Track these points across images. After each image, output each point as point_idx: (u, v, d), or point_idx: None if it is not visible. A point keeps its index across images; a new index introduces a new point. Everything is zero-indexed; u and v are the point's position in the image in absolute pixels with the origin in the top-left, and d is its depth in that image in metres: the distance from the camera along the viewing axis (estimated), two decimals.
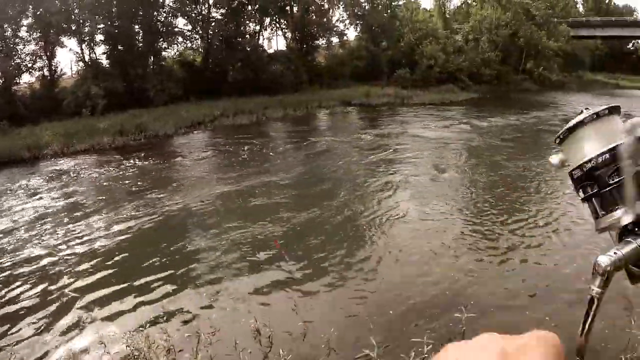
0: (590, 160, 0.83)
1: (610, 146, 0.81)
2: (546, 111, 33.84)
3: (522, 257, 9.81)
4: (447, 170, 17.55)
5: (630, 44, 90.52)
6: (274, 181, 17.14)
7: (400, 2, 54.81)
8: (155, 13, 42.74)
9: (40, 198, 18.07)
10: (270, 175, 18.01)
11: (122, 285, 9.73)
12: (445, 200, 13.97)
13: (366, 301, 8.38)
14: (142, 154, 24.20)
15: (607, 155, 0.80)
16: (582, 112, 0.89)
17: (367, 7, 51.86)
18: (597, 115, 0.83)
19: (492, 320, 7.30)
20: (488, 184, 15.75)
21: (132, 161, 22.76)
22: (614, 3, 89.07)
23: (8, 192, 19.54)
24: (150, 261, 10.76)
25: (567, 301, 7.77)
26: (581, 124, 0.85)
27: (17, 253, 12.45)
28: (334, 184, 16.37)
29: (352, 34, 54.74)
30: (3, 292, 10.14)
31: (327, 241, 11.11)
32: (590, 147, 0.84)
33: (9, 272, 11.27)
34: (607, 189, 0.82)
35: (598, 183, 0.82)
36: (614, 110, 0.87)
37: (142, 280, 9.84)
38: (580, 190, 0.87)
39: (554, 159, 0.94)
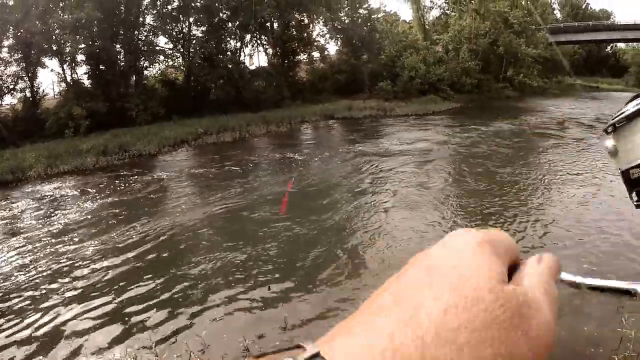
0: None
1: None
2: (529, 116, 34.48)
3: None
4: (435, 180, 17.78)
5: (609, 47, 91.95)
6: (260, 198, 17.28)
7: (380, 15, 55.30)
8: (136, 32, 42.81)
9: (24, 221, 18.12)
10: (256, 193, 18.14)
11: (106, 309, 9.79)
12: (437, 210, 14.20)
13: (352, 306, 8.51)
14: (127, 174, 24.27)
15: None
16: (637, 96, 0.76)
17: (346, 21, 52.30)
18: None
19: None
20: (478, 192, 15.99)
21: (116, 181, 22.81)
22: (591, 8, 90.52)
23: None
24: (137, 283, 10.79)
25: None
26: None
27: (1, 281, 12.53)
28: (322, 199, 16.52)
29: (332, 48, 55.24)
30: None
31: (316, 258, 11.25)
32: None
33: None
34: None
35: None
36: None
37: (129, 303, 9.89)
38: (636, 194, 0.75)
39: (609, 142, 0.80)
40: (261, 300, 9.43)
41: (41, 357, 8.63)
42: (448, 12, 63.37)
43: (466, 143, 25.17)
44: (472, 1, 54.04)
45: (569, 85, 65.75)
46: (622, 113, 0.70)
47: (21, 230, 16.82)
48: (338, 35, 52.23)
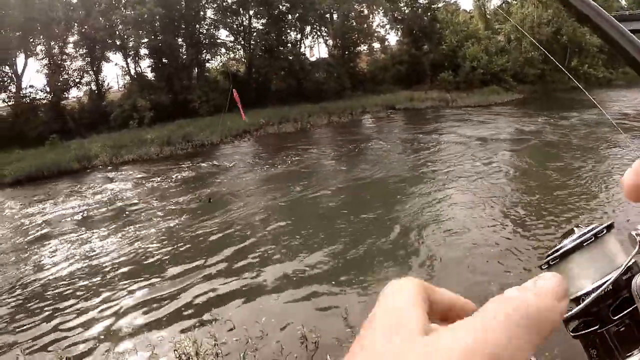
0: (588, 293, 0.66)
1: (613, 275, 0.65)
2: (595, 110, 32.53)
3: None
4: (503, 178, 16.81)
5: None
6: (323, 190, 16.81)
7: (440, 5, 54.11)
8: (197, 26, 43.17)
9: (89, 206, 18.28)
10: (319, 184, 17.71)
11: (168, 291, 9.64)
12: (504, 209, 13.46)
13: None
14: (189, 164, 24.28)
15: (611, 286, 0.64)
16: (572, 231, 0.72)
17: (406, 11, 51.39)
18: (595, 237, 0.67)
19: None
20: (543, 187, 15.11)
21: (180, 171, 22.83)
22: None
23: (60, 201, 19.84)
24: (198, 269, 10.70)
25: None
26: (576, 248, 0.68)
27: (64, 258, 12.55)
28: (385, 193, 15.94)
29: (393, 38, 54.34)
30: (53, 290, 10.20)
31: (378, 250, 10.75)
32: (587, 276, 0.67)
33: (55, 272, 11.38)
34: (610, 326, 0.65)
35: (600, 320, 0.65)
36: (610, 228, 0.70)
37: (190, 287, 9.78)
38: (572, 325, 0.68)
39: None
40: (323, 291, 9.06)
41: (99, 324, 8.52)
42: (510, 0, 61.64)
43: (537, 136, 23.92)
44: None
45: (636, 76, 62.84)
46: (557, 250, 0.70)
47: (89, 217, 16.92)
48: (398, 26, 51.43)
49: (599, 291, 0.63)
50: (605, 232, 0.68)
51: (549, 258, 0.70)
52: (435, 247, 10.28)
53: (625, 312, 0.63)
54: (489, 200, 13.41)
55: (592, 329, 0.65)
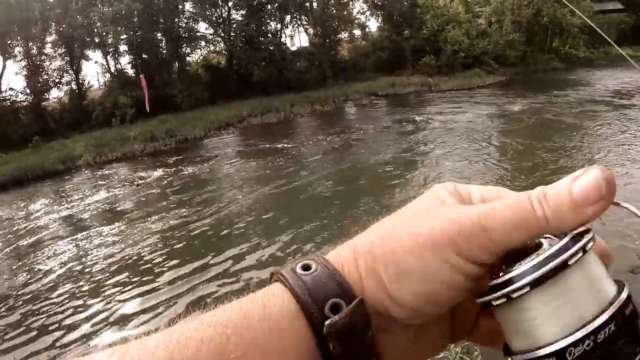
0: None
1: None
2: (577, 90, 32.54)
3: None
4: (491, 159, 16.88)
5: None
6: (311, 179, 16.86)
7: None
8: (176, 20, 42.84)
9: (76, 207, 18.25)
10: (307, 173, 17.77)
11: (161, 291, 9.81)
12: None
13: None
14: (174, 159, 24.30)
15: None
16: (540, 244, 0.51)
17: None
18: (565, 264, 0.48)
19: None
20: (528, 168, 15.20)
21: (164, 167, 22.82)
22: None
23: (45, 203, 19.81)
24: (189, 268, 10.77)
25: None
26: (536, 284, 0.46)
27: (52, 262, 12.55)
28: (370, 180, 16.03)
29: (373, 25, 54.02)
30: (42, 296, 10.23)
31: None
32: (556, 324, 0.47)
33: (44, 277, 11.38)
34: None
35: None
36: (586, 247, 0.49)
37: (181, 286, 9.90)
38: None
39: None
40: None
41: (84, 324, 8.56)
42: None
43: (522, 116, 23.95)
44: None
45: (617, 56, 62.96)
46: (505, 283, 0.49)
47: (77, 218, 16.92)
48: (378, 12, 51.22)
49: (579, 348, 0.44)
50: (581, 254, 0.47)
51: (491, 297, 0.51)
52: None
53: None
54: (480, 182, 13.47)
55: None
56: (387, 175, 15.93)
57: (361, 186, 15.08)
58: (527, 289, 0.46)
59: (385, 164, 17.56)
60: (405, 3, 50.45)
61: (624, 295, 0.47)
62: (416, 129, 23.31)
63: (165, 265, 10.89)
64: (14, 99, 38.52)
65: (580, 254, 0.47)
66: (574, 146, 16.57)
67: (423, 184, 14.14)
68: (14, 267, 12.84)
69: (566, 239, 0.49)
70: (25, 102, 38.39)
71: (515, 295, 0.47)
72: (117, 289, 10.08)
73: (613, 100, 25.55)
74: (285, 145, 23.82)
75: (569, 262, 0.47)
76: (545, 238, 0.52)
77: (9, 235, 16.27)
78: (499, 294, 0.50)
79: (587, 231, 0.48)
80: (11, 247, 14.80)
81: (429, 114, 27.47)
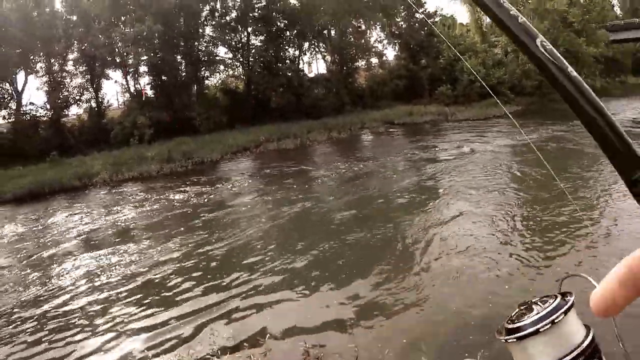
0: None
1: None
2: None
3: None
4: (508, 190, 16.72)
5: None
6: (325, 206, 16.82)
7: (437, 19, 54.44)
8: (196, 43, 43.46)
9: (90, 224, 18.36)
10: (321, 200, 17.73)
11: (170, 310, 9.69)
12: (511, 224, 13.44)
13: (421, 322, 8.10)
14: (189, 181, 24.40)
15: None
16: (530, 308, 0.80)
17: (404, 26, 51.71)
18: (553, 323, 0.73)
19: None
20: (546, 199, 15.03)
21: (179, 188, 22.88)
22: None
23: (61, 218, 19.92)
24: (196, 285, 10.75)
25: None
26: (532, 333, 0.75)
27: (69, 277, 12.59)
28: (386, 208, 15.94)
29: (390, 53, 54.36)
30: (51, 313, 10.26)
31: (382, 268, 10.64)
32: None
33: (54, 293, 11.41)
34: None
35: None
36: (567, 310, 0.77)
37: (191, 305, 9.83)
38: None
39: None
40: (326, 308, 9.02)
41: (88, 339, 8.58)
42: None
43: (540, 147, 23.69)
44: (529, 0, 52.56)
45: (634, 85, 62.73)
46: (514, 330, 0.78)
47: (91, 235, 16.96)
48: (395, 41, 51.67)
49: None
50: (562, 317, 0.74)
51: (504, 335, 0.78)
52: (438, 265, 10.26)
53: None
54: (496, 213, 13.34)
55: None
56: (404, 203, 15.85)
57: (376, 213, 14.98)
58: (528, 336, 0.72)
59: (402, 192, 17.46)
60: (422, 32, 50.83)
61: (587, 340, 0.73)
62: (433, 158, 23.24)
63: (176, 286, 10.82)
64: (34, 113, 39.18)
65: (563, 316, 0.73)
66: (591, 176, 16.44)
67: (441, 213, 14.07)
68: (27, 280, 12.84)
69: (546, 311, 0.77)
70: (45, 117, 39.03)
71: (522, 337, 0.73)
72: (127, 308, 10.03)
73: (632, 129, 25.41)
74: (302, 170, 23.89)
75: (556, 320, 0.72)
76: (535, 304, 0.80)
77: (23, 249, 16.34)
78: (513, 336, 0.76)
79: (570, 294, 0.79)
80: (24, 260, 14.83)
81: (446, 143, 27.39)
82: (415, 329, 7.79)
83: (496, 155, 22.31)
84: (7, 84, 39.08)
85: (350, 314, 8.48)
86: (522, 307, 0.85)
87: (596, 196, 14.16)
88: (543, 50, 0.68)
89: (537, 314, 0.78)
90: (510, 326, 0.79)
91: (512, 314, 0.87)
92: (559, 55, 0.58)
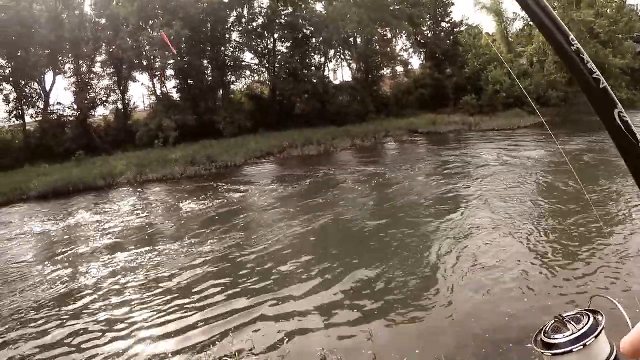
0: None
1: None
2: None
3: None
4: (535, 202, 16.37)
5: None
6: (349, 215, 16.58)
7: (463, 29, 54.18)
8: (223, 48, 43.74)
9: (115, 223, 18.45)
10: (344, 208, 17.55)
11: (191, 312, 9.70)
12: (538, 238, 13.23)
13: (443, 331, 7.97)
14: (214, 184, 24.44)
15: None
16: (564, 325, 0.91)
17: (429, 35, 51.60)
18: (585, 346, 0.82)
19: None
20: (574, 211, 14.74)
21: (204, 191, 22.86)
22: None
23: (85, 217, 20.06)
24: (218, 290, 10.69)
25: None
26: (567, 352, 0.86)
27: (92, 274, 12.63)
28: (413, 217, 15.68)
29: (416, 62, 54.28)
30: (69, 312, 10.27)
31: (405, 279, 10.44)
32: None
33: (74, 292, 11.44)
34: None
35: None
36: (598, 335, 0.87)
37: (212, 308, 9.82)
38: None
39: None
40: (347, 316, 8.95)
41: (122, 337, 8.58)
42: (532, 23, 60.77)
43: (567, 158, 23.27)
44: (556, 11, 51.77)
45: None
46: (549, 346, 0.90)
47: (113, 235, 17.03)
48: (421, 50, 51.57)
49: None
50: (593, 340, 0.84)
51: (543, 350, 0.89)
52: (467, 278, 10.03)
53: None
54: (522, 227, 13.10)
55: None
56: (431, 213, 15.58)
57: (403, 223, 14.71)
58: (563, 354, 0.82)
59: (429, 201, 17.22)
60: (448, 42, 50.70)
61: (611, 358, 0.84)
62: (459, 167, 22.95)
63: (199, 290, 10.79)
64: (62, 113, 39.91)
65: (594, 340, 0.83)
66: (618, 190, 16.11)
67: (469, 224, 13.87)
68: (50, 277, 12.86)
69: (589, 325, 0.89)
70: (72, 117, 39.68)
71: (557, 354, 0.84)
72: (149, 310, 9.97)
73: None
74: (326, 177, 23.75)
75: (587, 344, 0.83)
76: (569, 322, 0.92)
77: (47, 245, 16.45)
78: (549, 352, 0.88)
79: (600, 314, 0.91)
80: (49, 257, 14.88)
81: (472, 153, 27.09)
82: (439, 342, 7.61)
83: (524, 166, 21.93)
84: (36, 84, 39.70)
85: (373, 324, 8.34)
86: (557, 320, 0.95)
87: (626, 211, 13.89)
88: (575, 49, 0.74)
89: (572, 334, 0.88)
90: (547, 341, 0.90)
91: (547, 326, 0.97)
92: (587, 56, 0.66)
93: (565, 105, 46.72)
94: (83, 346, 8.80)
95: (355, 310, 9.03)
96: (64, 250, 15.46)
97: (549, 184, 18.30)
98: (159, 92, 42.92)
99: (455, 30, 52.47)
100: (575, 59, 0.69)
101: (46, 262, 14.48)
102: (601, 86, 0.74)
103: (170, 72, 41.95)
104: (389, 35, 50.96)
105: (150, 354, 8.23)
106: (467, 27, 55.01)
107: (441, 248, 12.00)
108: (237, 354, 7.50)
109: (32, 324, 9.98)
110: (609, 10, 52.02)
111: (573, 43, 0.71)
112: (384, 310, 8.91)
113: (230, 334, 8.34)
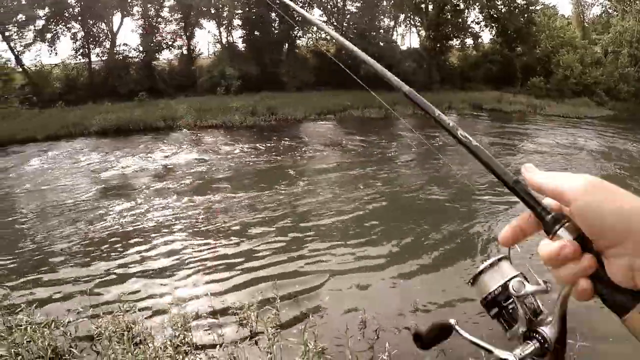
0: (491, 292, 1.08)
1: (502, 282, 1.08)
2: None
3: None
4: None
5: None
6: (405, 184, 15.93)
7: (538, 7, 52.07)
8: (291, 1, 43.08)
9: (171, 162, 18.56)
10: (401, 177, 16.93)
11: (236, 260, 9.54)
12: None
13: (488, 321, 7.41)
14: (272, 136, 24.26)
15: (501, 288, 1.07)
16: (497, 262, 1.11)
17: (503, 10, 49.75)
18: (492, 265, 1.08)
19: None
20: None
21: (262, 142, 22.74)
22: None
23: (141, 155, 20.22)
24: (268, 241, 10.51)
25: None
26: (486, 269, 1.09)
27: (143, 215, 12.54)
28: (471, 195, 15.01)
29: (486, 36, 52.54)
30: (134, 249, 10.19)
31: (461, 259, 9.87)
32: (491, 283, 1.09)
33: (137, 229, 11.37)
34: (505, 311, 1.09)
35: (499, 307, 1.08)
36: (504, 259, 1.10)
37: (258, 258, 9.62)
38: (489, 311, 1.09)
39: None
40: (387, 279, 8.73)
41: (167, 282, 8.55)
42: (610, 10, 58.13)
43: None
44: (637, 1, 49.16)
45: None
46: (477, 271, 1.11)
47: (166, 176, 17.03)
48: (493, 24, 49.77)
49: (495, 289, 1.06)
50: (500, 261, 1.09)
51: (472, 277, 1.10)
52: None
53: (509, 300, 1.05)
54: None
55: (497, 310, 1.07)
56: (487, 194, 14.85)
57: (460, 200, 14.14)
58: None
59: (488, 181, 16.52)
60: (522, 19, 48.76)
61: (507, 278, 1.08)
62: (521, 150, 21.89)
63: (249, 235, 10.65)
64: (127, 54, 40.21)
65: (492, 265, 1.10)
66: None
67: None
68: (104, 210, 12.92)
69: (489, 262, 1.12)
70: (137, 59, 40.00)
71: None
72: (198, 251, 9.90)
73: None
74: (384, 142, 23.29)
75: (489, 266, 1.11)
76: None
77: (105, 179, 16.64)
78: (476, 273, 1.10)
79: (504, 257, 1.12)
80: (104, 191, 15.01)
81: (535, 137, 25.75)
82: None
83: (591, 156, 20.82)
84: (103, 24, 40.18)
85: (417, 297, 7.82)
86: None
87: None
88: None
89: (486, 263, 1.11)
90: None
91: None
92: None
93: (636, 101, 44.36)
94: (132, 281, 8.73)
95: (401, 281, 8.67)
96: (119, 184, 15.66)
97: (612, 177, 17.38)
98: (224, 41, 42.78)
99: (531, 8, 50.37)
100: None
101: (101, 194, 14.59)
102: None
103: (237, 21, 41.68)
104: (462, 6, 49.34)
105: (189, 292, 8.25)
106: (542, 6, 52.86)
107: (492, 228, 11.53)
108: (277, 306, 7.20)
109: (79, 255, 10.10)
110: None
111: None
112: (432, 288, 8.39)
113: (275, 285, 7.89)
